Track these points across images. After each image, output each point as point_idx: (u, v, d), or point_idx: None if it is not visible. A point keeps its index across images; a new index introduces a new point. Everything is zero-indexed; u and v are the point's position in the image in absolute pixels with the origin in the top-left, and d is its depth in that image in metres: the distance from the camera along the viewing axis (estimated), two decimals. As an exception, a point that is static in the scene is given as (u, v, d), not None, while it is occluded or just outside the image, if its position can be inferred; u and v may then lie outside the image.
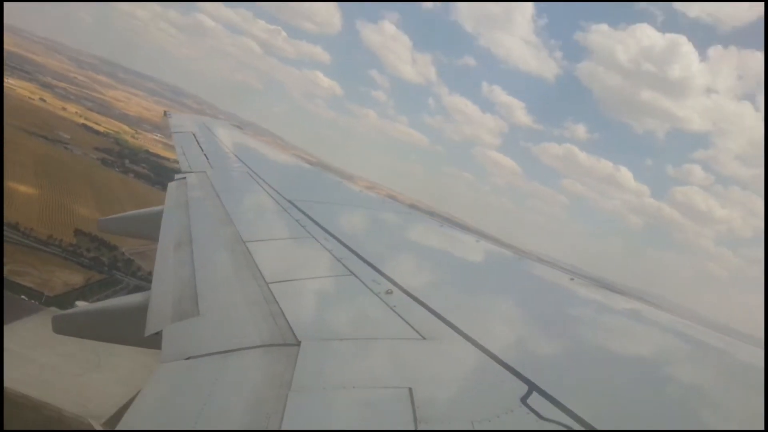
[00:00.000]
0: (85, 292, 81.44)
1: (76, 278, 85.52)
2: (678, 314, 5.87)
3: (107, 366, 63.20)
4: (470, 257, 8.42)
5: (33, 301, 72.96)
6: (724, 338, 5.25)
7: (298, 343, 4.20)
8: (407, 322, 4.55)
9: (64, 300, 75.06)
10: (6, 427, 45.90)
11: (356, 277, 5.69)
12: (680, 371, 4.51)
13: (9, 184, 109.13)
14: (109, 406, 56.20)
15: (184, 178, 11.16)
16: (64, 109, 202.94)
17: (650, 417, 3.45)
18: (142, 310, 5.38)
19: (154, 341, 4.78)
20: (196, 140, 15.20)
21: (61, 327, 7.14)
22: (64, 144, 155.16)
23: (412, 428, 3.00)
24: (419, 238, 9.35)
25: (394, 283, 5.46)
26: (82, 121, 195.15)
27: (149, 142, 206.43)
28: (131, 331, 5.94)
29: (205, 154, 13.70)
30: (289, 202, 9.14)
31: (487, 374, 3.74)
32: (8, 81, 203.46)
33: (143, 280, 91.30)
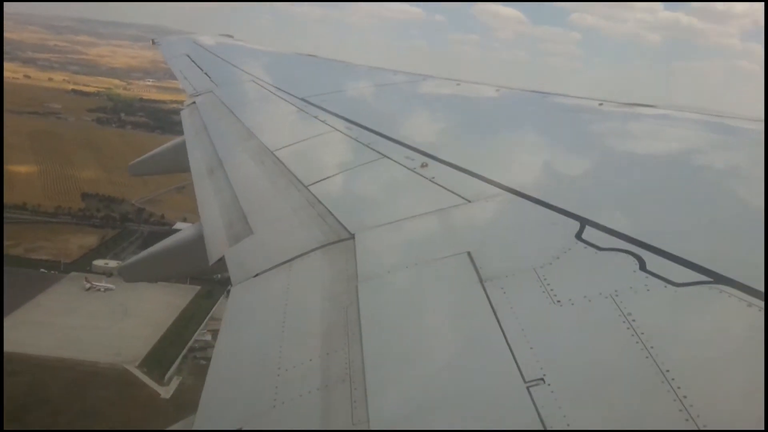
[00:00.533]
0: (101, 249, 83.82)
1: (90, 240, 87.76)
2: (716, 115, 5.77)
3: (134, 313, 66.82)
4: (495, 108, 8.30)
5: (52, 271, 75.59)
6: None
7: (353, 236, 4.36)
8: (449, 190, 4.62)
9: (82, 263, 77.72)
10: (46, 390, 49.39)
11: (388, 158, 5.74)
12: (727, 164, 4.51)
13: (8, 167, 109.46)
14: (140, 349, 59.92)
15: (194, 102, 11.09)
16: (50, 79, 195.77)
17: (707, 222, 3.52)
18: (198, 241, 5.62)
19: (220, 267, 5.04)
20: (193, 61, 14.88)
21: (129, 275, 7.59)
22: (56, 115, 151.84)
23: (480, 288, 3.15)
24: (440, 103, 9.21)
25: (427, 155, 5.49)
26: (70, 87, 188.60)
27: (142, 89, 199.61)
28: (193, 263, 6.24)
29: (206, 73, 13.47)
30: (303, 100, 9.04)
31: (537, 220, 3.83)
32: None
33: (156, 225, 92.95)
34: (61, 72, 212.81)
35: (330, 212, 4.90)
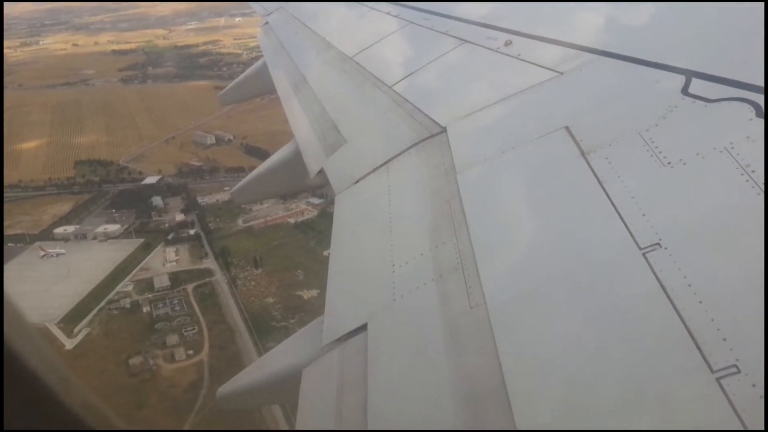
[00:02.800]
0: (71, 216, 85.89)
1: (64, 207, 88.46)
2: None
3: (75, 273, 68.90)
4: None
5: (18, 244, 77.68)
6: None
7: (444, 129, 4.33)
8: (538, 65, 4.39)
9: (48, 232, 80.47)
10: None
11: (469, 42, 5.50)
12: None
13: (18, 146, 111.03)
14: (66, 306, 61.63)
15: (267, 22, 11.08)
16: (95, 43, 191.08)
17: None
18: (297, 157, 5.81)
19: (321, 178, 5.21)
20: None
21: (240, 198, 8.08)
22: (85, 82, 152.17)
23: (583, 162, 3.06)
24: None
25: (510, 32, 5.19)
26: (112, 47, 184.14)
27: (181, 35, 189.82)
28: (296, 178, 6.47)
29: None
30: None
31: (638, 81, 3.59)
32: (42, 42, 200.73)
33: (129, 183, 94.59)
34: (110, 32, 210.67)
35: (418, 109, 4.85)
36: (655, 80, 3.44)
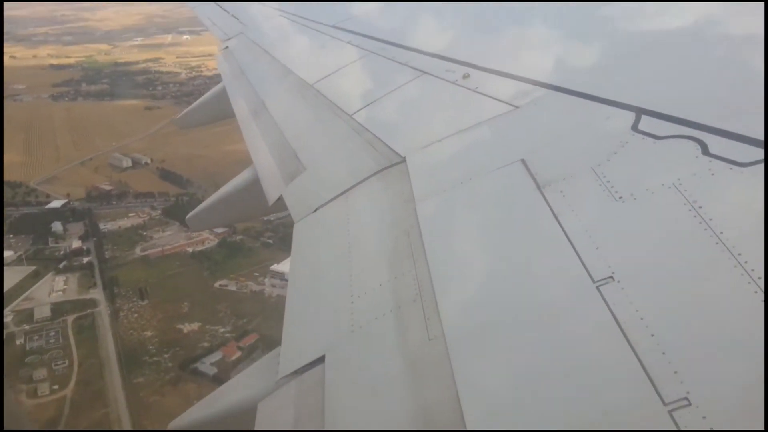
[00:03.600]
0: None
1: None
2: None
3: None
4: (525, 8, 7.84)
5: None
6: None
7: (404, 159, 4.36)
8: (495, 98, 4.49)
9: None
10: None
11: (428, 74, 5.59)
12: None
13: None
14: None
15: (227, 47, 11.05)
16: (34, 56, 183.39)
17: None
18: (256, 184, 5.75)
19: (280, 206, 5.17)
20: (219, 5, 14.67)
21: (196, 225, 7.93)
22: (13, 97, 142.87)
23: (539, 195, 3.13)
24: (472, 10, 8.77)
25: (468, 65, 5.32)
26: (50, 61, 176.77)
27: (124, 51, 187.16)
28: (254, 205, 6.40)
29: (233, 15, 13.28)
30: (334, 27, 8.83)
31: (590, 117, 3.70)
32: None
33: (33, 206, 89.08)
34: (52, 45, 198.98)
35: (378, 138, 4.89)
36: (607, 116, 3.56)
